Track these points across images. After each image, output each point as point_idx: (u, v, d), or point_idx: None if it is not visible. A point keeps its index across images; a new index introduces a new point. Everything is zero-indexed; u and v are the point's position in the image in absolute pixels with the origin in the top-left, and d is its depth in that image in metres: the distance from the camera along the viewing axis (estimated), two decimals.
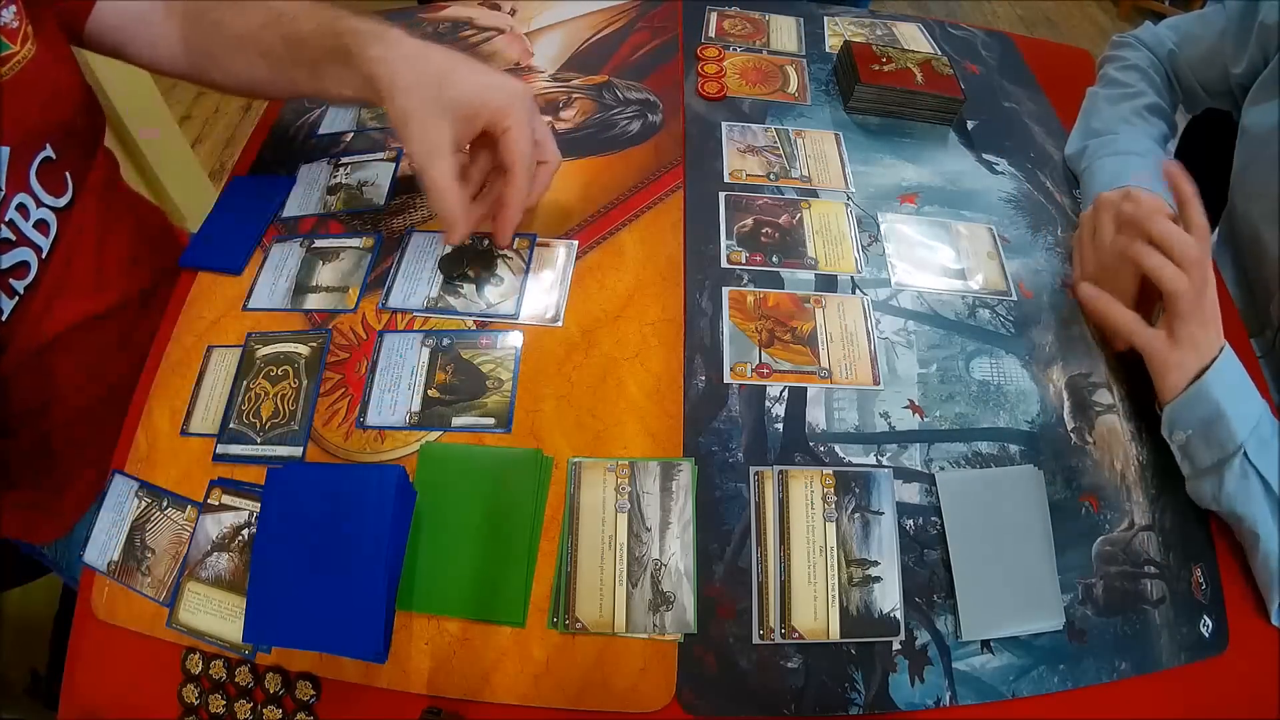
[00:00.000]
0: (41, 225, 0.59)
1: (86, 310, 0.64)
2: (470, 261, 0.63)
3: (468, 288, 0.62)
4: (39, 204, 0.59)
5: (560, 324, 0.60)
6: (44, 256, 0.60)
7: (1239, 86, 0.70)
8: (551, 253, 0.65)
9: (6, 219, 0.56)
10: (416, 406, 0.56)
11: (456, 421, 0.56)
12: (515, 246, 0.65)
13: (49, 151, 0.59)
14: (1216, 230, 0.81)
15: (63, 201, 0.61)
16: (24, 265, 0.58)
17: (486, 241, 0.63)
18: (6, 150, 0.55)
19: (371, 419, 0.56)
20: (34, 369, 0.60)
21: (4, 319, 0.57)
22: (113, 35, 0.64)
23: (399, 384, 0.57)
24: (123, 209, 0.71)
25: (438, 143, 0.52)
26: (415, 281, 0.63)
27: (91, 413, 0.64)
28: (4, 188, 0.55)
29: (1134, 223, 0.54)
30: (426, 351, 0.59)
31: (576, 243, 0.65)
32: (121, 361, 0.64)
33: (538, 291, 0.62)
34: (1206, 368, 0.51)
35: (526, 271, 0.63)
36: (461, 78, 0.53)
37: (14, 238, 0.57)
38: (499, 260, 0.64)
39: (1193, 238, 0.51)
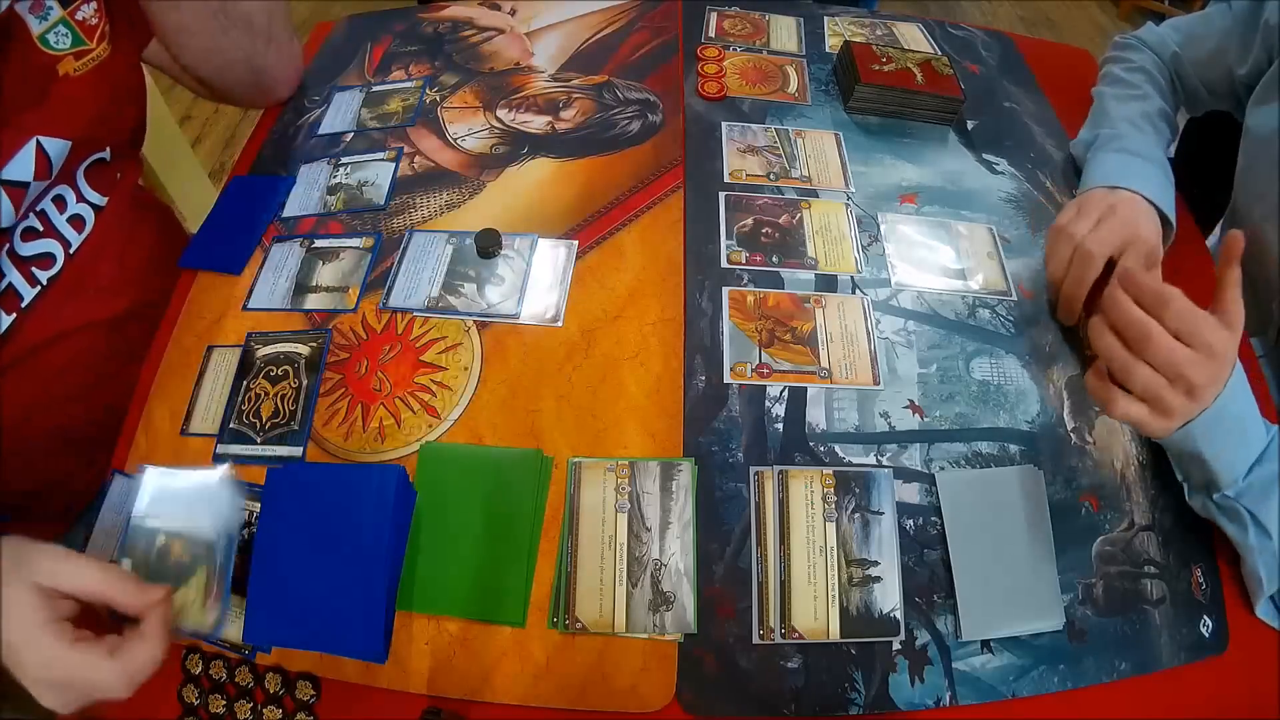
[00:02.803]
0: (77, 221, 0.60)
1: (100, 313, 0.64)
2: (473, 264, 0.63)
3: (468, 287, 0.62)
4: (80, 199, 0.60)
5: (560, 324, 0.60)
6: (71, 252, 0.60)
7: (1243, 87, 0.70)
8: (552, 253, 0.65)
9: (39, 209, 0.57)
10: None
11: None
12: (516, 247, 0.65)
13: (105, 153, 0.61)
14: (1218, 228, 0.81)
15: (105, 200, 0.62)
16: (49, 257, 0.59)
17: (494, 249, 0.64)
18: (68, 145, 0.56)
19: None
20: (40, 364, 0.61)
21: (24, 306, 0.58)
22: None
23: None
24: (148, 213, 0.72)
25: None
26: (416, 281, 0.63)
27: (93, 416, 0.64)
28: (52, 176, 0.56)
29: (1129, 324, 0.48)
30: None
31: (576, 243, 0.65)
32: (129, 369, 0.64)
33: (538, 291, 0.62)
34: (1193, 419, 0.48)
35: (527, 271, 0.63)
36: None
37: (41, 228, 0.58)
38: (500, 259, 0.64)
39: (1176, 347, 0.46)
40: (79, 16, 0.56)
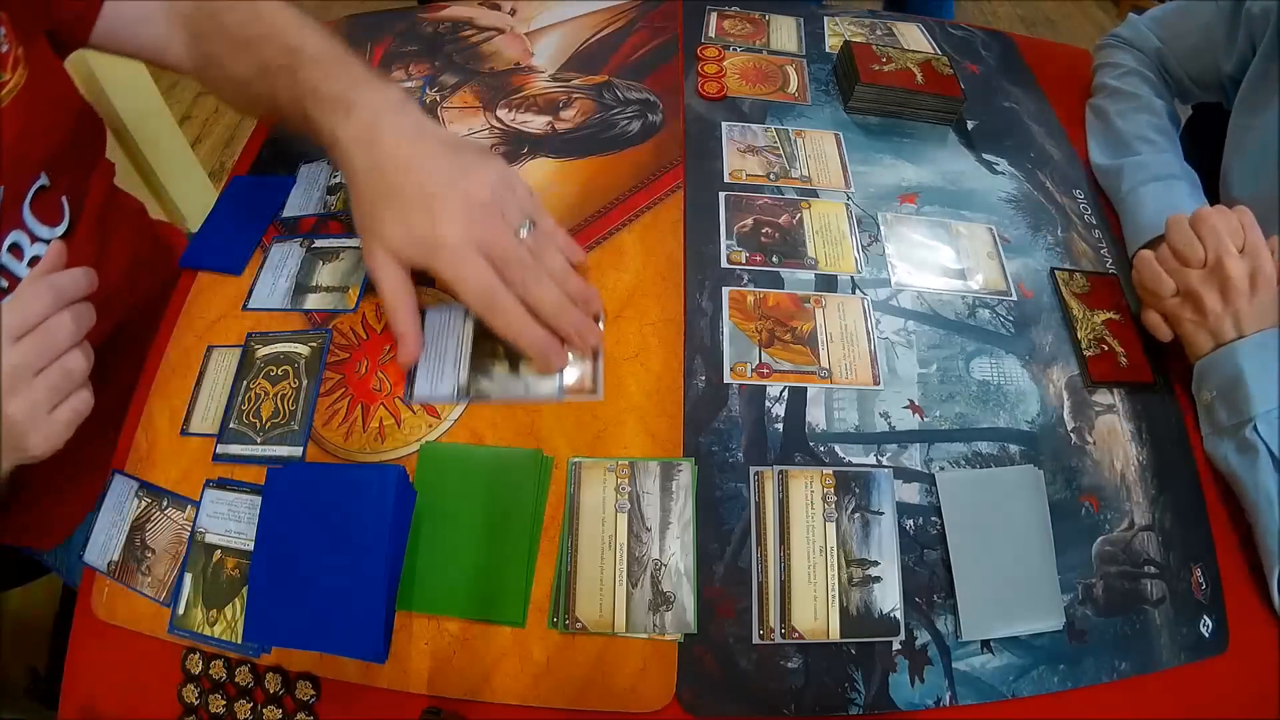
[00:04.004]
0: (37, 263, 0.55)
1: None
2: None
3: (499, 366, 0.57)
4: (34, 239, 0.56)
5: (600, 396, 0.56)
6: None
7: (1229, 80, 0.70)
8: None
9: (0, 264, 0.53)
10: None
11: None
12: None
13: (43, 180, 0.56)
14: None
15: (59, 230, 0.58)
16: None
17: None
18: (1, 190, 0.52)
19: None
20: None
21: None
22: (117, 41, 0.61)
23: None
24: (119, 225, 0.68)
25: (382, 263, 0.49)
26: (441, 363, 0.57)
27: (87, 431, 0.62)
28: None
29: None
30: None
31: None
32: (118, 378, 0.61)
33: (575, 362, 0.57)
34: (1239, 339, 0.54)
35: None
36: (392, 220, 0.47)
37: (7, 284, 0.54)
38: None
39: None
40: None
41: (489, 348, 0.57)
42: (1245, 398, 0.52)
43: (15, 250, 0.54)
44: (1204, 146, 0.76)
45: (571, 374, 0.57)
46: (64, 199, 0.59)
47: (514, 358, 0.57)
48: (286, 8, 0.56)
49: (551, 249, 0.52)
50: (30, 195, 0.55)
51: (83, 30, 0.60)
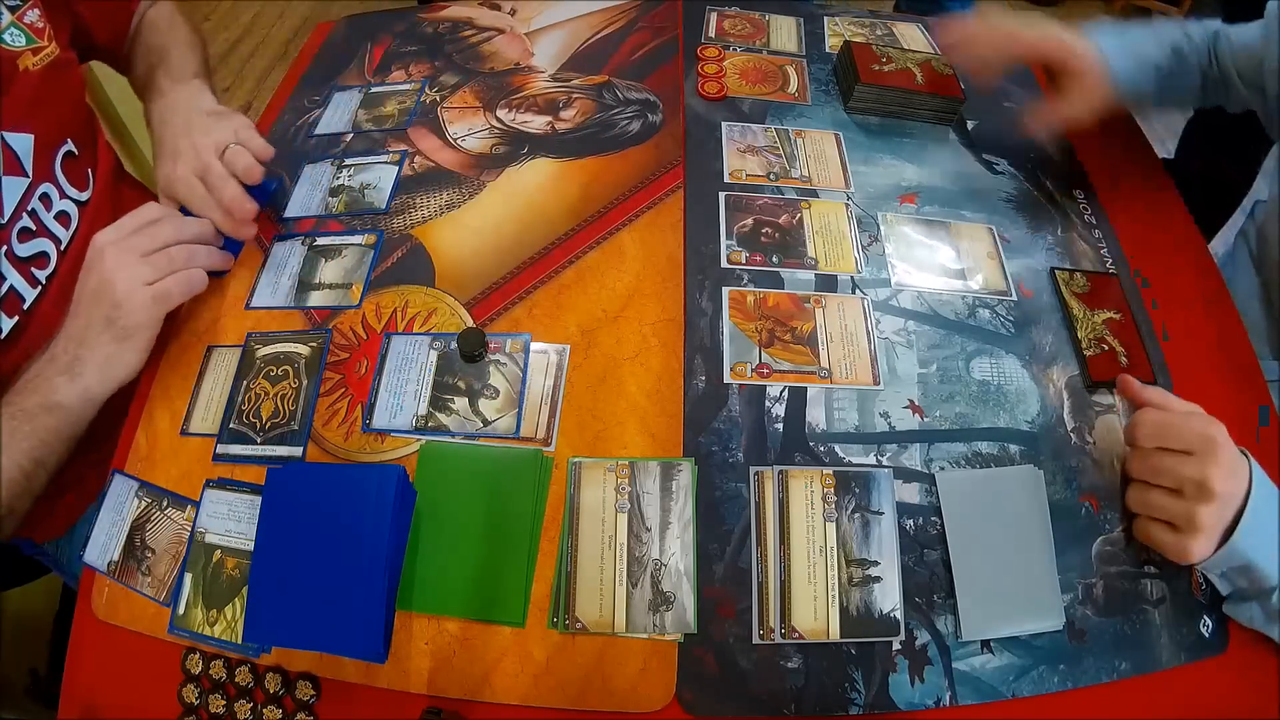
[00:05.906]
0: (62, 217, 0.62)
1: None
2: (460, 371, 0.58)
3: (459, 401, 0.57)
4: (62, 195, 0.62)
5: (552, 448, 0.55)
6: (62, 249, 0.62)
7: (1274, 95, 0.66)
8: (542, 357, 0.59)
9: (29, 208, 0.59)
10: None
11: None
12: (509, 349, 0.59)
13: (71, 146, 0.63)
14: (1220, 232, 0.80)
15: (85, 196, 0.65)
16: (44, 256, 0.61)
17: (479, 351, 0.58)
18: (31, 138, 0.58)
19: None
20: None
21: (26, 308, 0.59)
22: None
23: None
24: (133, 201, 0.73)
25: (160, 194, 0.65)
26: (401, 394, 0.57)
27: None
28: (30, 174, 0.58)
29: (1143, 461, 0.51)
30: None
31: (568, 347, 0.59)
32: None
33: (533, 401, 0.57)
34: (1232, 529, 0.47)
35: (524, 378, 0.58)
36: (159, 166, 0.64)
37: (34, 227, 0.59)
38: (491, 367, 0.58)
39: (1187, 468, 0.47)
40: (27, 20, 0.59)
41: (450, 383, 0.57)
42: (1262, 576, 0.47)
43: (45, 200, 0.61)
44: (1204, 148, 0.75)
45: (530, 421, 0.56)
46: (89, 170, 0.66)
47: (473, 394, 0.57)
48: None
49: (244, 157, 0.63)
50: (60, 156, 0.62)
51: (118, 41, 0.73)
